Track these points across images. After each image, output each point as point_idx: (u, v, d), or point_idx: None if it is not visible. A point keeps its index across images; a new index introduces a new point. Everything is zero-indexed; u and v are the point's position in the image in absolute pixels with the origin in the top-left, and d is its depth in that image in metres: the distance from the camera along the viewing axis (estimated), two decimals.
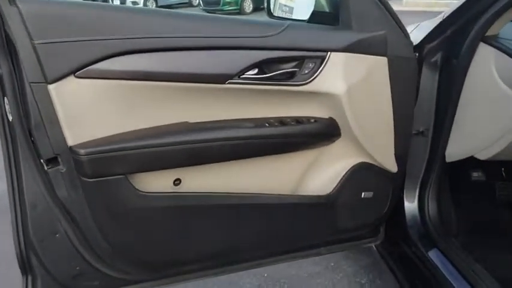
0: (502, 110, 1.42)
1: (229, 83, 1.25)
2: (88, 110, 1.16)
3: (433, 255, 1.60)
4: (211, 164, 1.32)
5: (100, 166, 1.19)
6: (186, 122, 1.29)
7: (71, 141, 1.17)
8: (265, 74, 1.29)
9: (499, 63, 1.42)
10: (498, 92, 1.42)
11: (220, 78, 1.24)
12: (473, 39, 1.46)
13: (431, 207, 1.68)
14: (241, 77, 1.26)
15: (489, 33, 1.45)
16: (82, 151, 1.16)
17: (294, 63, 1.32)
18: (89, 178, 1.20)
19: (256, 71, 1.28)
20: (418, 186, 1.70)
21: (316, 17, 1.52)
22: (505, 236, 1.89)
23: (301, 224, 1.53)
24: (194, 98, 1.27)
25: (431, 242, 1.62)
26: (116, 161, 1.19)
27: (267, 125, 1.34)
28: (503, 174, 1.83)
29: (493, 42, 1.44)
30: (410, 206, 1.71)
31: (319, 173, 1.49)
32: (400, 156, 1.58)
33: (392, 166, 1.57)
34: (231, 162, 1.35)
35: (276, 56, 1.29)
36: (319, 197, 1.50)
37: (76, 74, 1.11)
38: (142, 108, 1.22)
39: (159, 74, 1.19)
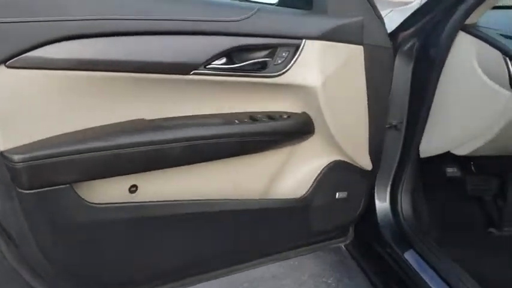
0: (483, 103, 1.35)
1: (193, 74, 1.08)
2: (23, 107, 0.95)
3: (409, 256, 1.51)
4: (173, 168, 1.15)
5: (39, 175, 0.98)
6: (143, 119, 1.11)
7: (2, 146, 0.96)
8: (235, 63, 1.13)
9: (480, 53, 1.33)
10: (479, 83, 1.34)
11: (183, 68, 1.07)
12: (452, 28, 1.37)
13: (404, 205, 1.60)
14: (208, 67, 1.10)
15: (468, 21, 1.36)
16: (16, 157, 0.95)
17: (266, 52, 1.17)
18: (26, 189, 0.99)
19: (224, 60, 1.12)
20: (390, 183, 1.60)
21: (286, 1, 1.37)
22: (476, 230, 1.86)
23: (272, 230, 1.39)
24: (152, 91, 1.09)
25: (407, 242, 1.54)
26: (59, 168, 1.00)
27: (236, 121, 1.18)
28: (473, 168, 1.78)
29: (473, 31, 1.36)
30: (382, 204, 1.62)
31: (292, 174, 1.36)
32: (375, 152, 1.48)
33: (367, 163, 1.46)
34: (196, 165, 1.18)
35: (247, 43, 1.14)
36: (291, 200, 1.36)
37: (7, 63, 0.91)
38: (89, 104, 1.03)
39: (110, 62, 1.00)
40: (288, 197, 1.35)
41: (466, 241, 1.71)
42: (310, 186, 1.37)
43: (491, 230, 1.88)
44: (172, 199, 1.19)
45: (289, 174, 1.35)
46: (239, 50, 1.13)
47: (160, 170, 1.13)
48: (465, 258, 1.48)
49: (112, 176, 1.07)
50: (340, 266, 2.11)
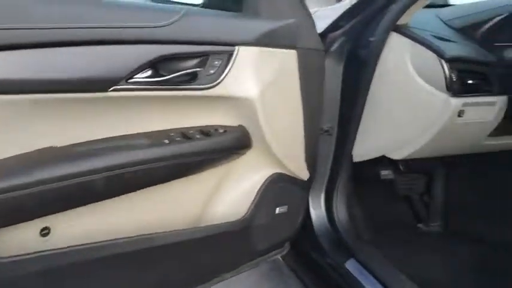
0: (419, 107, 1.32)
1: (113, 90, 0.91)
2: None
3: (349, 265, 1.46)
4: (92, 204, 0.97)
5: None
6: (51, 147, 0.91)
7: None
8: (161, 76, 0.98)
9: (414, 55, 1.30)
10: (414, 86, 1.31)
11: (100, 85, 0.89)
12: (384, 28, 1.32)
13: (340, 212, 1.54)
14: (130, 81, 0.93)
15: (400, 22, 1.32)
16: None
17: (196, 61, 1.03)
18: None
19: (148, 73, 0.96)
20: (325, 189, 1.54)
21: (213, 1, 1.22)
22: (407, 228, 1.87)
23: (211, 258, 1.25)
24: (64, 113, 0.90)
25: (346, 250, 1.48)
26: None
27: (166, 141, 1.03)
28: (401, 167, 1.78)
29: (406, 31, 1.32)
30: (318, 212, 1.55)
31: (229, 194, 1.23)
32: (310, 160, 1.40)
33: (304, 173, 1.38)
34: (119, 197, 1.00)
35: (174, 52, 0.98)
36: (230, 223, 1.23)
37: None
38: None
39: (8, 82, 0.80)
40: (227, 220, 1.22)
41: (397, 240, 1.70)
42: (250, 206, 1.25)
43: (420, 226, 1.91)
44: (94, 240, 1.00)
45: (227, 195, 1.22)
46: (165, 60, 0.98)
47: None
48: (398, 258, 1.46)
49: (17, 223, 0.86)
50: (277, 277, 2.03)
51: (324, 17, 1.48)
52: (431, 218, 1.90)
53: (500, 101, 1.33)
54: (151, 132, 1.03)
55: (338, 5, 1.46)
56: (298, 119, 1.28)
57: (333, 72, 1.42)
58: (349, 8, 1.37)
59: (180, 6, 1.05)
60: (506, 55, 1.32)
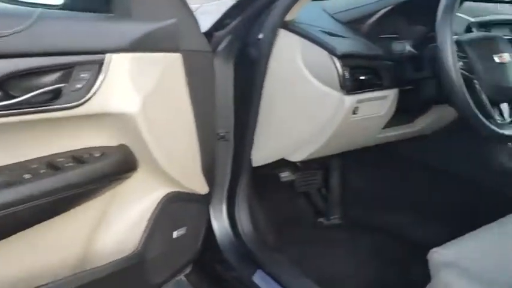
0: (314, 107, 1.26)
1: None
2: None
3: (257, 278, 1.38)
4: None
5: None
6: None
7: None
8: (12, 97, 0.78)
9: (305, 52, 1.24)
10: (307, 86, 1.25)
11: None
12: (271, 25, 1.24)
13: (244, 221, 1.45)
14: None
15: (288, 17, 1.25)
16: None
17: (57, 76, 0.85)
18: None
19: None
20: (226, 199, 1.43)
21: (76, 1, 1.03)
22: (308, 225, 1.85)
23: None
24: None
25: (253, 262, 1.40)
26: None
27: (27, 176, 0.84)
28: (299, 166, 1.74)
29: (294, 28, 1.25)
30: (221, 224, 1.44)
31: (115, 227, 1.05)
32: (208, 171, 1.28)
33: (202, 187, 1.25)
34: None
35: (27, 66, 0.80)
36: (118, 262, 1.06)
37: None
38: None
39: None
40: (116, 258, 1.05)
41: (301, 239, 1.68)
42: (141, 236, 1.09)
43: (321, 220, 1.90)
44: None
45: (113, 228, 1.05)
46: (16, 78, 0.79)
47: None
48: (304, 259, 1.45)
49: None
50: None
51: (207, 14, 1.36)
52: (330, 211, 1.90)
53: (392, 94, 1.33)
54: (5, 166, 0.83)
55: (222, 0, 1.35)
56: (190, 128, 1.15)
57: (223, 74, 1.31)
58: (234, 4, 1.26)
59: (31, 9, 0.85)
60: (393, 47, 1.31)
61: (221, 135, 1.37)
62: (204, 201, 1.29)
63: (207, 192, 1.27)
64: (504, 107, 1.27)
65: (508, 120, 1.24)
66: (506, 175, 1.53)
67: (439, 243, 0.96)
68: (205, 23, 1.30)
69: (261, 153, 1.40)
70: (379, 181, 1.89)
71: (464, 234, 1.03)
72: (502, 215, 1.16)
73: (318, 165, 1.83)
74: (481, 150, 1.56)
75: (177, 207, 1.18)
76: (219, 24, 1.29)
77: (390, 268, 1.58)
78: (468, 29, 1.49)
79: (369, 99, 1.28)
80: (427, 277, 0.94)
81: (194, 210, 1.27)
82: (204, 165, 1.23)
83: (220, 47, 1.30)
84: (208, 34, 1.28)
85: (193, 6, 1.50)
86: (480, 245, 1.10)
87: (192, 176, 1.21)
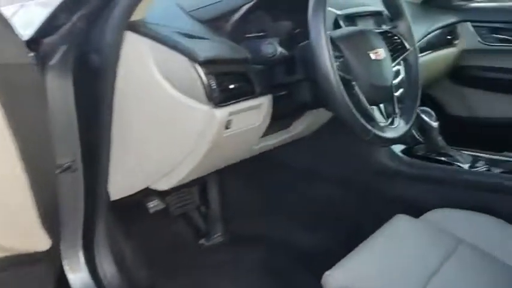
0: (179, 124, 1.06)
1: None
2: None
3: None
4: None
5: None
6: None
7: None
8: None
9: (160, 60, 1.02)
10: (167, 99, 1.03)
11: None
12: (115, 27, 0.99)
13: (106, 265, 1.18)
14: None
15: (135, 17, 1.02)
16: None
17: None
18: None
19: None
20: (81, 245, 1.15)
21: None
22: (189, 249, 1.66)
23: None
24: None
25: None
26: None
27: None
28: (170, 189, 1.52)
29: (144, 30, 1.02)
30: (77, 275, 1.16)
31: None
32: (49, 217, 0.99)
33: (42, 242, 0.97)
34: None
35: None
36: None
37: None
38: None
39: None
40: None
41: (178, 268, 1.50)
42: None
43: (202, 241, 1.72)
44: None
45: None
46: None
47: None
48: None
49: None
50: None
51: (32, 16, 1.07)
52: (212, 230, 1.73)
53: (266, 101, 1.17)
54: None
55: None
56: (16, 171, 0.86)
57: (60, 89, 1.03)
58: (64, 2, 0.99)
59: None
60: (262, 49, 1.15)
61: (66, 166, 1.08)
62: (46, 258, 1.00)
63: (49, 246, 0.98)
64: (383, 107, 1.19)
65: (389, 121, 1.16)
66: (386, 175, 1.50)
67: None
68: (27, 29, 1.01)
69: (120, 184, 1.15)
70: (258, 189, 1.78)
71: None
72: (385, 215, 1.15)
73: (192, 181, 1.64)
74: (360, 151, 1.50)
75: (5, 276, 0.88)
76: (46, 29, 1.01)
77: (276, 281, 1.52)
78: (336, 23, 1.39)
79: (242, 110, 1.10)
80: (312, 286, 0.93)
81: (36, 273, 0.98)
82: (41, 211, 0.95)
83: (53, 58, 1.02)
84: (34, 42, 1.00)
85: (13, 6, 1.21)
86: (372, 261, 1.04)
87: (27, 231, 0.92)
